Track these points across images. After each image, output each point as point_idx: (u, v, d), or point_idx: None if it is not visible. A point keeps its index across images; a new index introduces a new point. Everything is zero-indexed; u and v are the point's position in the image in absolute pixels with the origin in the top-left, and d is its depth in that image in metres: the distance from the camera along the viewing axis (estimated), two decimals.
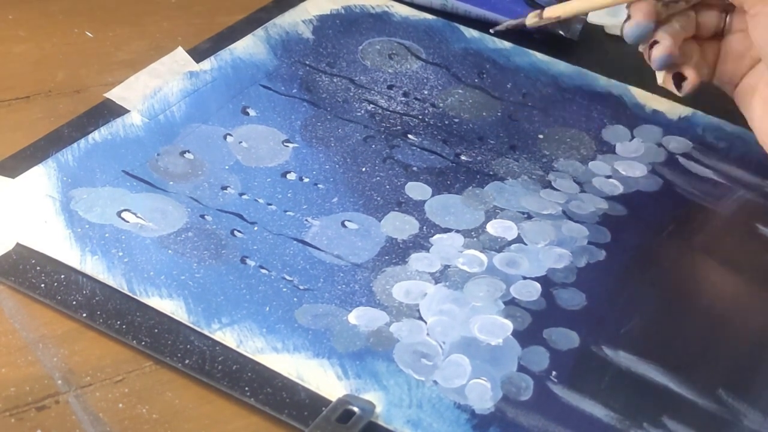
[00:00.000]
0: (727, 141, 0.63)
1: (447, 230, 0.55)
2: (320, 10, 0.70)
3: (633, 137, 0.63)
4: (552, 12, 0.58)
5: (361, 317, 0.50)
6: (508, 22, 0.61)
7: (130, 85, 0.61)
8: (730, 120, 0.63)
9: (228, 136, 0.59)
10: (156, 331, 0.48)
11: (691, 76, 0.56)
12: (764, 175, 0.60)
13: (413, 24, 0.70)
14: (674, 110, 0.65)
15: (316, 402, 0.46)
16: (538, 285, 0.52)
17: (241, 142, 0.59)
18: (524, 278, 0.53)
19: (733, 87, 0.59)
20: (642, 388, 0.48)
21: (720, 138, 0.63)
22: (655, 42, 0.55)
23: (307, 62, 0.66)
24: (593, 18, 0.72)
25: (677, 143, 0.63)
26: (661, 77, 0.57)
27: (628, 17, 0.55)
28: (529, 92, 0.65)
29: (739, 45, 0.57)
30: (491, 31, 0.62)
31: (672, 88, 0.57)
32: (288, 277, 0.51)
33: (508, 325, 0.50)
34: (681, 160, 0.62)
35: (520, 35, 0.70)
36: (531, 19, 0.59)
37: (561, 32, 0.70)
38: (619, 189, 0.59)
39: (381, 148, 0.60)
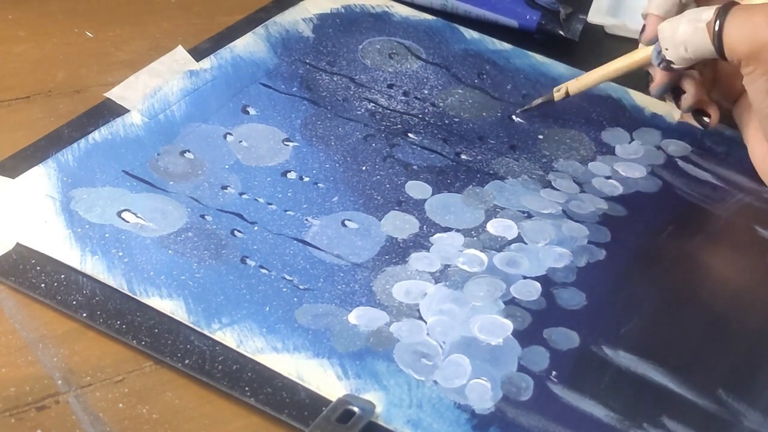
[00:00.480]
0: (725, 145, 0.63)
1: (447, 229, 0.55)
2: (320, 9, 0.70)
3: (632, 139, 0.63)
4: (576, 84, 0.62)
5: (361, 317, 0.49)
6: (535, 101, 0.63)
7: (130, 85, 0.61)
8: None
9: (228, 135, 0.59)
10: (156, 331, 0.48)
11: (714, 115, 0.59)
12: (762, 180, 0.60)
13: (413, 24, 0.70)
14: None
15: (316, 402, 0.46)
16: (538, 284, 0.52)
17: (241, 141, 0.59)
18: (524, 278, 0.53)
19: (732, 103, 0.60)
20: (642, 388, 0.48)
21: (718, 142, 0.63)
22: (682, 91, 0.59)
23: (308, 61, 0.65)
24: (593, 18, 0.72)
25: (676, 146, 0.63)
26: (678, 115, 0.61)
27: (652, 79, 0.59)
28: (528, 93, 0.65)
29: (731, 67, 0.56)
30: (518, 111, 0.64)
31: (694, 122, 0.60)
32: (288, 277, 0.51)
33: (508, 325, 0.50)
34: (680, 163, 0.62)
35: (521, 35, 0.70)
36: (557, 94, 0.62)
37: (561, 32, 0.70)
38: (618, 190, 0.59)
39: (381, 146, 0.60)
